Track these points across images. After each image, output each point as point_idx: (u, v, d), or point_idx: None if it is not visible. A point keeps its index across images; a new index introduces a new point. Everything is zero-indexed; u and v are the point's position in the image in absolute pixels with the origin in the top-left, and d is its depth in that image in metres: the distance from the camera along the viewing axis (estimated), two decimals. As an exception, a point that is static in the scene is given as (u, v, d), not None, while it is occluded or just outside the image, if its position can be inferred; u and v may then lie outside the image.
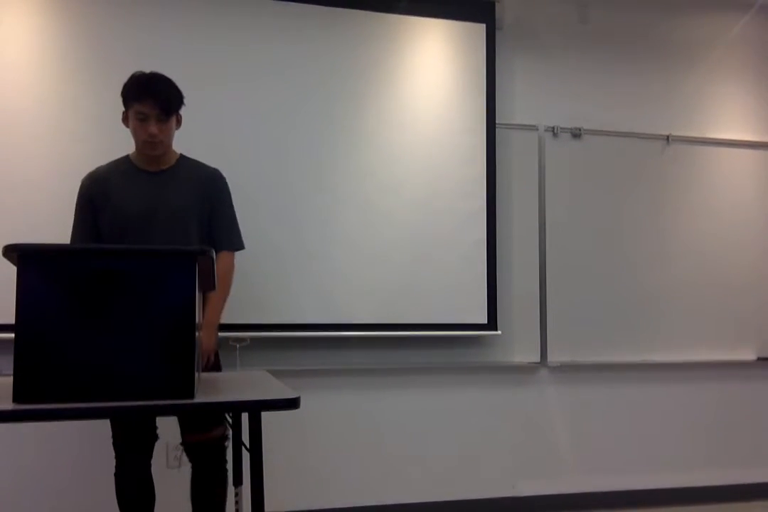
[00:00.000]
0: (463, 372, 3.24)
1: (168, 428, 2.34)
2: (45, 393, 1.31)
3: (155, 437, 2.30)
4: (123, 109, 2.25)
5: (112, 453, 2.29)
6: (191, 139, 2.64)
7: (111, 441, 2.29)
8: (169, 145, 2.29)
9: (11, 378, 1.34)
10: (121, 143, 2.82)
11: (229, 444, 2.24)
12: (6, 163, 2.71)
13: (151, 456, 2.27)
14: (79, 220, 2.30)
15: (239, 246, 2.39)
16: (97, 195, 2.25)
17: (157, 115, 2.17)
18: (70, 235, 2.31)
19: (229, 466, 2.25)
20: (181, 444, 2.28)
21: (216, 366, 2.35)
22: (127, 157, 2.33)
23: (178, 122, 2.30)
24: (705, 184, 3.58)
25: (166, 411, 1.38)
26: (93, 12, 2.83)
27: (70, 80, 2.80)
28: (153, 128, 2.17)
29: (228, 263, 2.34)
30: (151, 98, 2.15)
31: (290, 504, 2.97)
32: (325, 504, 3.03)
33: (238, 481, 2.18)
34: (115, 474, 2.25)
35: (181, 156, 2.36)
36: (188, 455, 2.29)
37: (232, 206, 2.40)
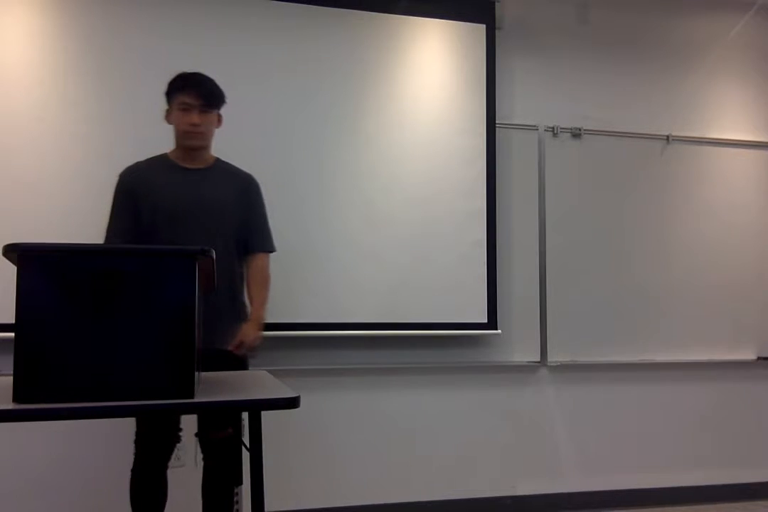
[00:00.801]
0: (463, 371, 3.24)
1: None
2: (45, 392, 1.31)
3: (178, 439, 2.29)
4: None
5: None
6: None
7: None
8: (209, 140, 2.35)
9: (11, 378, 1.34)
10: (122, 144, 2.83)
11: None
12: (6, 164, 2.71)
13: (169, 458, 2.27)
14: (119, 212, 2.30)
15: (272, 248, 2.48)
16: (139, 187, 2.29)
17: (200, 106, 2.25)
18: (107, 228, 2.30)
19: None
20: (196, 435, 2.30)
21: (243, 365, 2.37)
22: (165, 155, 2.38)
23: (219, 122, 2.37)
24: (705, 183, 3.58)
25: (165, 411, 1.38)
26: (94, 12, 2.83)
27: (70, 81, 2.80)
28: (195, 118, 2.24)
29: (265, 264, 2.44)
30: (195, 89, 2.25)
31: (290, 504, 2.97)
32: (325, 504, 3.03)
33: (238, 481, 2.18)
34: (132, 471, 2.25)
35: (217, 158, 2.42)
36: (203, 450, 2.30)
37: (265, 210, 2.47)
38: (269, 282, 2.44)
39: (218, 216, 2.30)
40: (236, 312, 2.35)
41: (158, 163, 2.35)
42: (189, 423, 2.31)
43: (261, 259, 2.42)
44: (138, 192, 2.28)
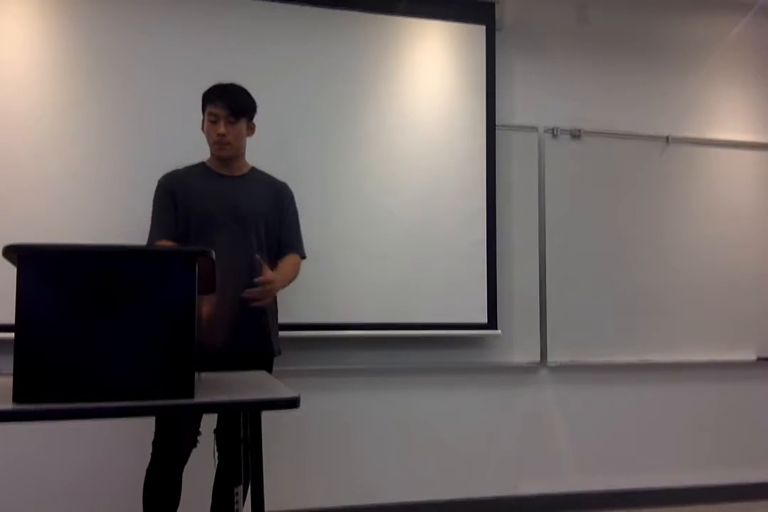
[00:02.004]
0: (463, 372, 3.25)
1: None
2: (45, 393, 1.32)
3: (194, 443, 2.30)
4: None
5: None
6: (192, 140, 2.64)
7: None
8: (240, 149, 2.40)
9: (11, 378, 1.34)
10: (123, 144, 2.84)
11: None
12: (6, 164, 2.72)
13: (185, 462, 2.27)
14: (161, 215, 2.35)
15: (305, 254, 2.54)
16: (177, 191, 2.35)
17: (227, 116, 2.31)
18: (150, 232, 2.35)
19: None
20: (215, 431, 2.32)
21: (268, 369, 2.42)
22: (202, 163, 2.44)
23: (251, 130, 2.44)
24: (704, 184, 3.59)
25: (165, 411, 1.38)
26: (93, 13, 2.84)
27: (70, 81, 2.80)
28: (221, 128, 2.31)
29: (298, 261, 2.48)
30: (222, 100, 2.31)
31: (290, 504, 2.97)
32: (325, 504, 3.03)
33: (237, 481, 2.19)
34: (147, 472, 2.26)
35: (253, 167, 2.49)
36: (219, 448, 2.32)
37: (298, 219, 2.54)
38: (296, 272, 2.46)
39: (252, 223, 2.36)
40: (264, 318, 2.38)
41: (195, 169, 2.42)
42: (205, 423, 2.33)
43: (295, 257, 2.48)
44: (177, 196, 2.34)
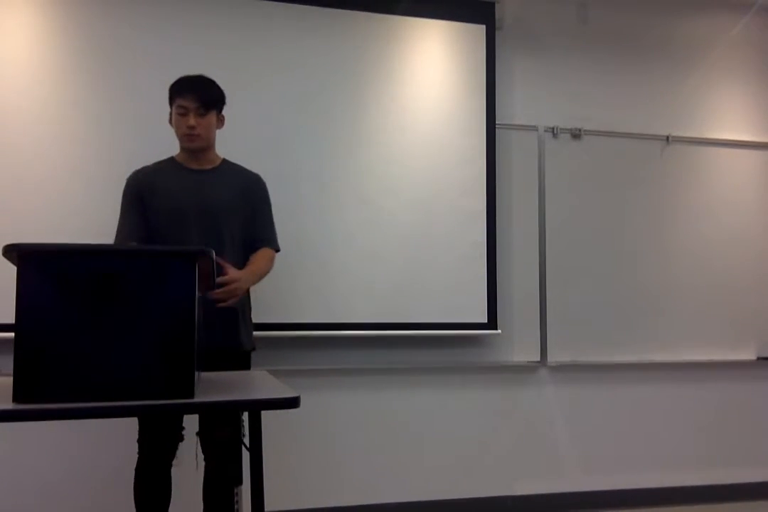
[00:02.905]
0: (462, 371, 3.24)
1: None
2: (45, 392, 1.31)
3: (180, 438, 2.30)
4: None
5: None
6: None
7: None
8: (209, 141, 2.36)
9: (11, 378, 1.34)
10: (122, 144, 2.83)
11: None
12: (7, 164, 2.72)
13: (173, 457, 2.27)
14: (127, 214, 2.33)
15: (278, 247, 2.48)
16: (145, 190, 2.32)
17: (196, 109, 2.27)
18: (117, 231, 2.33)
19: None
20: (197, 434, 2.31)
21: (245, 364, 2.39)
22: (171, 158, 2.41)
23: (221, 122, 2.40)
24: (705, 184, 3.59)
25: (165, 411, 1.38)
26: (94, 12, 2.83)
27: (70, 81, 2.80)
28: (191, 120, 2.27)
29: (271, 255, 2.41)
30: (191, 92, 2.27)
31: (290, 504, 2.97)
32: (325, 504, 3.03)
33: (238, 481, 2.18)
34: (136, 470, 2.26)
35: (225, 159, 2.45)
36: (204, 450, 2.30)
37: (271, 210, 2.48)
38: (270, 266, 2.40)
39: (223, 216, 2.32)
40: (236, 312, 2.35)
41: (165, 165, 2.38)
42: (189, 423, 2.32)
43: (268, 251, 2.41)
44: (144, 194, 2.31)
